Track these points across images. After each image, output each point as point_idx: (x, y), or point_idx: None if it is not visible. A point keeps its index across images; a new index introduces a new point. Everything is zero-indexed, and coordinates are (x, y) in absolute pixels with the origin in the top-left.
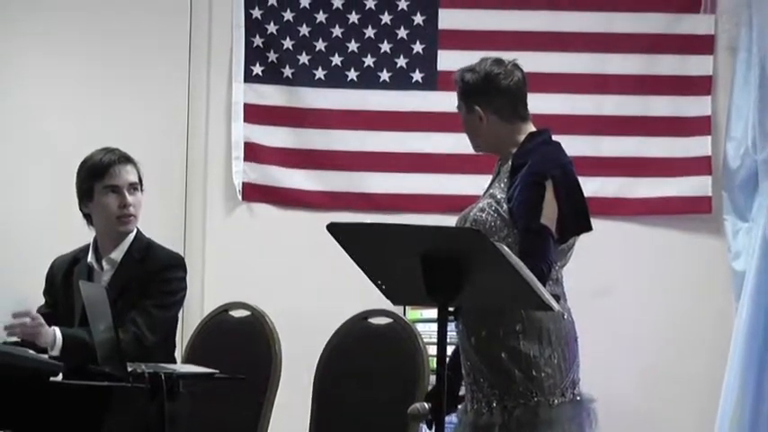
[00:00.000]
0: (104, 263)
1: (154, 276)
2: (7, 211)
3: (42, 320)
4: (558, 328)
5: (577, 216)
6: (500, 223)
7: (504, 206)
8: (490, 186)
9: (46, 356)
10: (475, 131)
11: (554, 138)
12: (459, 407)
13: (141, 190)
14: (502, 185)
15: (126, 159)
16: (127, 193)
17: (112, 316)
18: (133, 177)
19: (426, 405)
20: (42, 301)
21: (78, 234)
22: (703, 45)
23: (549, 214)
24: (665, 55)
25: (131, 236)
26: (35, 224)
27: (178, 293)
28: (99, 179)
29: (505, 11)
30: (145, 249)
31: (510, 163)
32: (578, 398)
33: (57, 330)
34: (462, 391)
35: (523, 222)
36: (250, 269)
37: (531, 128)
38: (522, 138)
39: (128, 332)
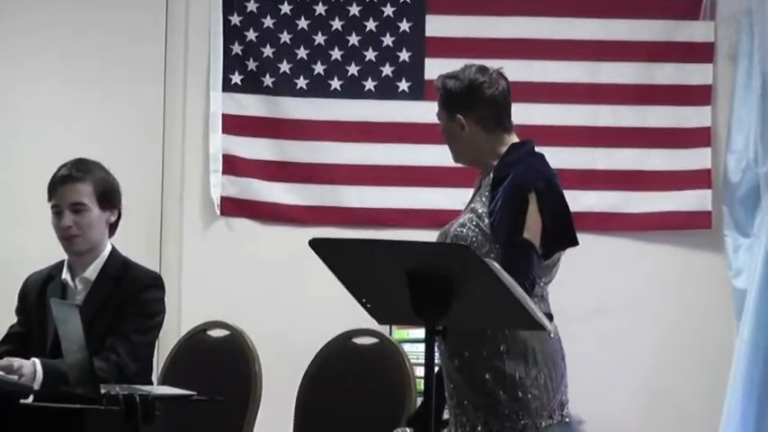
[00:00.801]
0: (78, 282)
1: (131, 298)
2: None
3: (18, 364)
4: (544, 347)
5: (562, 230)
6: (482, 238)
7: (486, 221)
8: (471, 200)
9: (15, 378)
10: (455, 141)
11: (544, 150)
12: (444, 431)
13: (108, 208)
14: (483, 199)
15: (74, 178)
16: (67, 214)
17: (85, 336)
18: (76, 197)
19: (408, 430)
20: (14, 319)
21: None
22: (703, 53)
23: (533, 228)
24: (662, 63)
25: (105, 254)
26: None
27: (157, 316)
28: (49, 198)
29: (496, 17)
30: (121, 268)
31: (491, 175)
32: (567, 420)
33: (37, 364)
34: (446, 415)
35: (505, 236)
36: (229, 287)
37: (514, 139)
38: (503, 149)
39: (109, 361)
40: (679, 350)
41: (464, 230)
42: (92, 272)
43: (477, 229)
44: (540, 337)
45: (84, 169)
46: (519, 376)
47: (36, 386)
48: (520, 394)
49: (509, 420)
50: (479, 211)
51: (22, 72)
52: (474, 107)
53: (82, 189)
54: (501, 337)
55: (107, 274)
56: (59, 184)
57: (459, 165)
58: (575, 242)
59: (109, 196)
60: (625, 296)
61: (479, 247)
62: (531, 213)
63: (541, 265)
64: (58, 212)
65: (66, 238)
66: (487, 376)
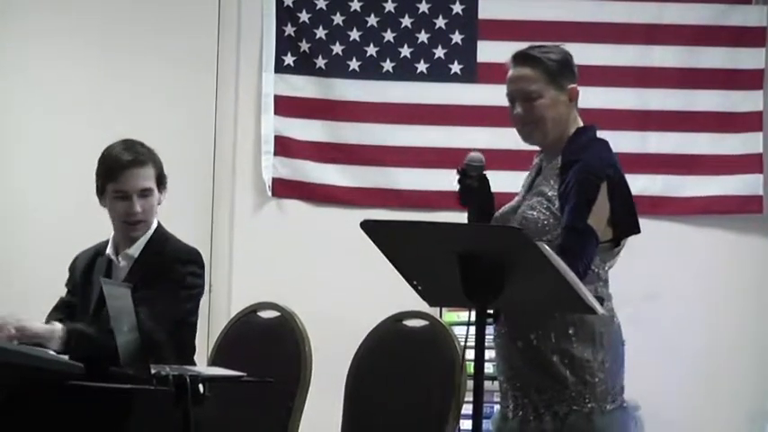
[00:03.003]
0: (120, 258)
1: (166, 269)
2: (30, 210)
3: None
4: (609, 331)
5: (629, 217)
6: (553, 222)
7: (557, 204)
8: (533, 183)
9: (66, 357)
10: (556, 114)
11: (598, 133)
12: (496, 414)
13: (162, 188)
14: (551, 182)
15: (140, 162)
16: (136, 200)
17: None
18: (145, 182)
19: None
20: (63, 292)
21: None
22: (755, 37)
23: (600, 215)
24: (714, 47)
25: (150, 231)
26: (62, 221)
27: (192, 289)
28: (111, 181)
29: (548, 0)
30: (162, 244)
31: (559, 159)
32: (625, 405)
33: (55, 323)
34: (496, 398)
35: (569, 220)
36: (279, 268)
37: (579, 121)
38: (572, 130)
39: None
40: (729, 334)
41: (534, 213)
42: (136, 249)
43: (548, 212)
44: (604, 322)
45: (143, 152)
46: (587, 359)
47: (56, 345)
48: (588, 377)
49: (576, 403)
50: (549, 194)
51: (74, 56)
52: (574, 78)
53: (148, 173)
54: (569, 320)
55: (149, 251)
56: (127, 169)
57: (510, 147)
58: (638, 229)
59: (163, 177)
60: (675, 280)
61: (551, 230)
62: (600, 201)
63: (613, 253)
64: (124, 197)
65: (132, 223)
66: (555, 359)
